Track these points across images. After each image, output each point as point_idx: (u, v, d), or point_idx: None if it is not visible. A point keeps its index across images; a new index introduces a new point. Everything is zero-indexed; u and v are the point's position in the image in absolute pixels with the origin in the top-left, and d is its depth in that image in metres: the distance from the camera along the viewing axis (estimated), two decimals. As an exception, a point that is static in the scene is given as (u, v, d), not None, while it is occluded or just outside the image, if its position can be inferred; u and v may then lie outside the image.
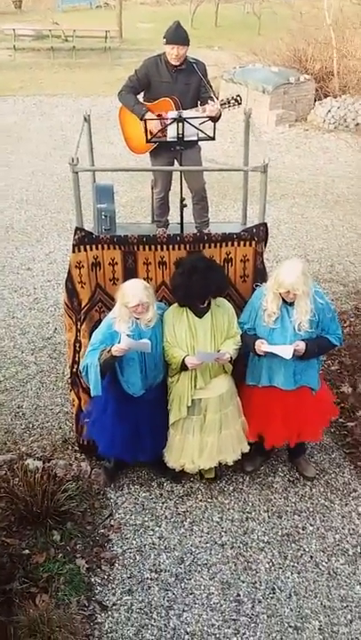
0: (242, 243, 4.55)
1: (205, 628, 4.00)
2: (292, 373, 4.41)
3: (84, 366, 4.31)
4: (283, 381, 4.44)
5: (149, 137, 4.85)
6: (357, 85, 12.87)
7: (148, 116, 4.90)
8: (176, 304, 4.40)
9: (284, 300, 4.25)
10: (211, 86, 5.08)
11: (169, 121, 4.72)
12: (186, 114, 4.74)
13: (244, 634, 3.97)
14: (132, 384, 4.40)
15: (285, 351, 4.24)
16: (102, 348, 4.22)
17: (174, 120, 4.68)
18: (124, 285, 4.23)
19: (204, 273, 4.14)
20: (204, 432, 4.53)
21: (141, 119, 4.93)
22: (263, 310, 4.32)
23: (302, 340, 4.28)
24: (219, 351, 4.33)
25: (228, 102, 4.92)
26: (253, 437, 4.70)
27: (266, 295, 4.29)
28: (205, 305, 4.30)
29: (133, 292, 4.12)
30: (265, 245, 4.68)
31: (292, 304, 4.26)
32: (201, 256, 4.40)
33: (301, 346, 4.26)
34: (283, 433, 4.63)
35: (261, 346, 4.29)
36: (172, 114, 4.78)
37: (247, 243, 4.55)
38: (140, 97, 5.17)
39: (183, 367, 4.31)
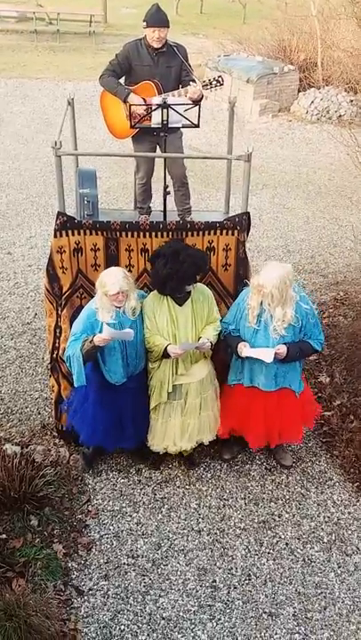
0: (225, 231, 4.55)
1: (181, 614, 4.03)
2: (274, 375, 4.44)
3: (66, 357, 4.30)
4: (263, 382, 4.47)
5: (133, 122, 4.82)
6: (341, 77, 12.89)
7: (132, 97, 4.87)
8: (155, 292, 4.38)
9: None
10: (192, 69, 5.07)
11: (154, 107, 4.69)
12: (170, 100, 4.71)
13: (219, 619, 4.01)
14: (114, 373, 4.39)
15: (266, 355, 4.25)
16: (84, 337, 4.21)
17: (159, 106, 4.65)
18: (103, 274, 4.20)
19: (187, 251, 4.19)
20: (185, 415, 4.58)
21: (124, 101, 4.90)
22: (248, 309, 4.33)
23: (284, 343, 4.30)
24: (200, 339, 4.35)
25: (210, 83, 4.92)
26: (225, 434, 4.76)
27: (250, 292, 4.30)
28: (188, 290, 4.31)
29: (113, 280, 4.10)
30: (247, 235, 4.69)
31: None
32: (172, 240, 4.41)
33: (283, 349, 4.28)
34: (264, 433, 4.67)
35: (243, 350, 4.30)
36: (157, 99, 4.75)
37: (230, 232, 4.55)
38: (122, 81, 5.13)
39: (165, 355, 4.32)
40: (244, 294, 4.43)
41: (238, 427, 4.72)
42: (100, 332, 4.18)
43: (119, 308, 4.21)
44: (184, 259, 4.13)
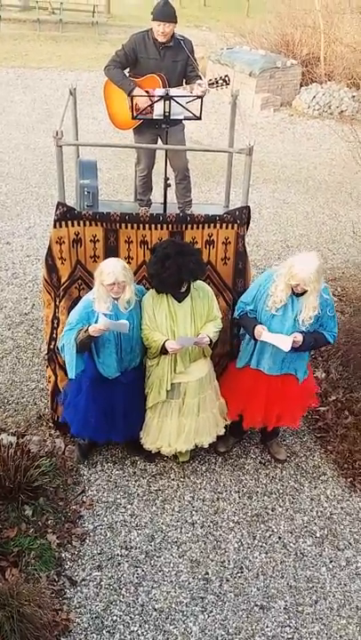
0: (224, 225, 4.55)
1: (173, 606, 4.05)
2: (281, 360, 4.44)
3: (60, 346, 4.30)
4: (270, 366, 4.46)
5: (135, 113, 4.80)
6: (343, 72, 12.87)
7: (136, 92, 4.85)
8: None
9: (292, 290, 4.24)
10: (197, 64, 5.04)
11: (156, 98, 4.67)
12: (173, 92, 4.69)
13: (211, 612, 4.03)
14: (108, 366, 4.39)
15: (284, 343, 4.23)
16: (79, 327, 4.21)
17: (161, 98, 4.63)
18: (102, 263, 4.20)
19: (176, 260, 4.08)
20: (183, 415, 4.55)
21: (129, 95, 4.88)
22: (269, 295, 4.29)
23: (300, 331, 4.28)
24: (198, 335, 4.34)
25: (217, 82, 4.88)
26: (234, 416, 4.74)
27: (276, 282, 4.25)
28: (184, 290, 4.29)
29: (110, 269, 4.08)
30: (247, 229, 4.69)
31: (298, 295, 4.25)
32: (173, 241, 4.32)
33: (299, 338, 4.26)
34: (262, 415, 4.67)
35: (263, 333, 4.28)
36: (160, 91, 4.73)
37: (230, 225, 4.55)
38: (126, 72, 5.11)
39: (163, 351, 4.30)
40: (268, 277, 4.34)
41: (241, 407, 4.71)
42: (96, 322, 4.18)
43: (116, 299, 4.21)
44: (169, 265, 4.07)
